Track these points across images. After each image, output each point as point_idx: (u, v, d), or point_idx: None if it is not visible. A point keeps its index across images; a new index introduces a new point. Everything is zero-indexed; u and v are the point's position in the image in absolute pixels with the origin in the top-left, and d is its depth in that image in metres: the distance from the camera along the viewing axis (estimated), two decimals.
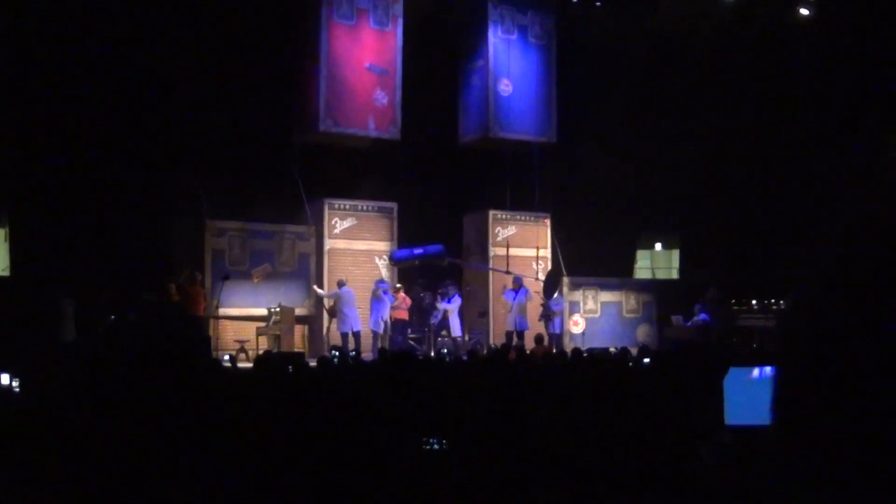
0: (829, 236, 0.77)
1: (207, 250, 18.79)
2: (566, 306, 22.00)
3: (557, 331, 20.02)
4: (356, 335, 18.44)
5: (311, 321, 19.83)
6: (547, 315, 19.99)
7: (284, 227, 19.87)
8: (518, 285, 20.03)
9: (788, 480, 0.73)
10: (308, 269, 19.92)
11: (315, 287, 19.62)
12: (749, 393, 1.87)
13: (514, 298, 19.85)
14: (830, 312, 0.73)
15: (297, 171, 19.73)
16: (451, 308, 19.69)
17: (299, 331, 19.29)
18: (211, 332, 17.70)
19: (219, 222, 19.03)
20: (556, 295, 20.43)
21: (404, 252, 20.19)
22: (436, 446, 4.05)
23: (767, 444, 0.75)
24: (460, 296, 20.08)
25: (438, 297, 19.84)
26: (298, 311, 19.22)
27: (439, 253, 19.98)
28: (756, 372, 1.92)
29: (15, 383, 6.54)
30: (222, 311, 18.13)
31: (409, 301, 19.71)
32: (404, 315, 19.56)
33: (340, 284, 18.97)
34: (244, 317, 18.81)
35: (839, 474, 0.69)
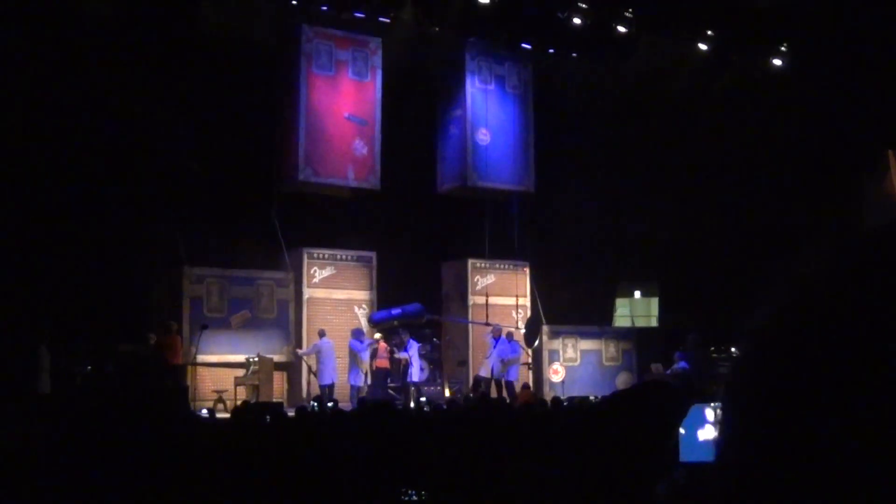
0: (783, 283, 0.79)
1: (185, 297, 18.69)
2: (545, 355, 22.00)
3: (512, 378, 19.80)
4: (331, 387, 18.39)
5: (291, 368, 19.71)
6: (505, 363, 19.94)
7: (263, 273, 19.81)
8: (498, 333, 19.97)
9: None
10: (287, 315, 19.85)
11: (297, 350, 19.50)
12: (704, 429, 1.89)
13: (495, 347, 19.77)
14: (781, 349, 0.75)
15: (276, 217, 19.72)
16: (407, 356, 19.54)
17: (278, 380, 19.17)
18: (189, 382, 17.57)
19: (197, 269, 18.95)
20: (513, 342, 20.24)
21: (383, 314, 20.19)
22: (413, 498, 4.03)
23: (711, 481, 0.76)
24: (415, 340, 19.92)
25: (397, 349, 19.69)
26: (277, 358, 19.14)
27: (418, 311, 20.02)
28: (713, 409, 1.94)
29: None
30: (201, 357, 17.98)
31: (389, 350, 19.69)
32: (385, 364, 19.52)
33: (322, 334, 18.94)
34: (223, 363, 18.67)
35: None
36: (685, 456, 1.65)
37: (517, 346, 20.06)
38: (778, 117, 22.13)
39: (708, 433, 1.86)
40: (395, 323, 20.07)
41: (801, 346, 0.72)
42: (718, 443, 0.77)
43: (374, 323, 20.11)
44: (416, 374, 19.52)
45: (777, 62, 23.08)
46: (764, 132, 22.21)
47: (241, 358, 18.60)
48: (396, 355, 19.60)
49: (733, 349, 19.34)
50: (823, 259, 0.76)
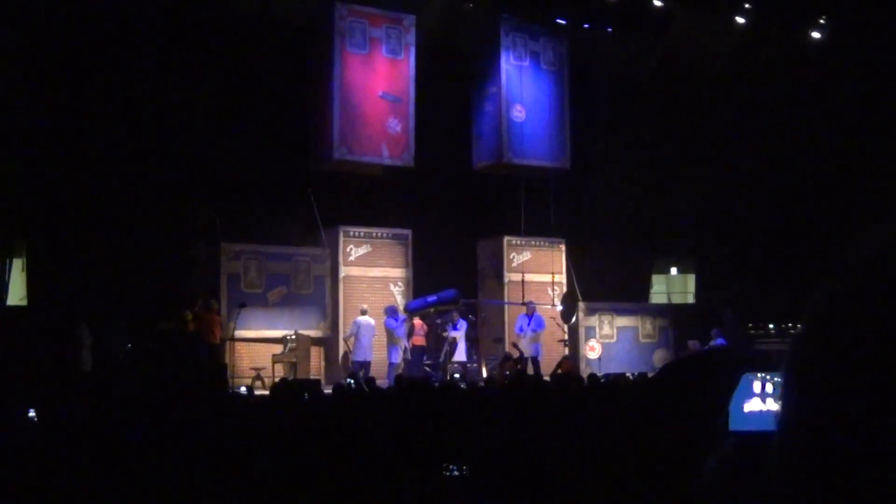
0: (848, 258, 0.78)
1: (223, 273, 18.80)
2: (581, 332, 21.97)
3: (533, 354, 19.86)
4: (366, 365, 18.50)
5: (327, 344, 19.81)
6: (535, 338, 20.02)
7: (299, 249, 19.88)
8: (532, 311, 20.03)
9: (788, 489, 0.74)
10: (324, 291, 19.92)
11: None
12: (750, 401, 1.88)
13: (529, 324, 19.83)
14: (847, 328, 0.74)
15: (312, 195, 19.78)
16: (458, 335, 19.67)
17: (315, 357, 19.29)
18: (227, 360, 17.70)
19: (234, 245, 19.05)
20: (532, 319, 20.26)
21: (419, 302, 20.20)
22: (455, 472, 4.05)
23: (771, 450, 0.76)
24: (466, 321, 20.06)
25: (448, 327, 19.78)
26: (314, 334, 19.27)
27: (453, 297, 20.01)
28: (760, 380, 1.92)
29: (32, 413, 6.56)
30: (239, 333, 18.11)
31: (426, 327, 19.76)
32: (422, 341, 19.60)
33: (363, 312, 19.09)
34: (260, 339, 18.81)
35: (839, 484, 0.71)
36: (733, 425, 1.65)
37: (543, 320, 20.13)
38: (817, 91, 21.86)
39: (754, 405, 1.84)
40: (432, 310, 20.10)
41: (872, 320, 0.71)
42: (779, 415, 0.77)
43: (411, 311, 20.12)
44: (462, 353, 19.65)
45: (816, 35, 22.78)
46: (803, 107, 21.96)
47: (278, 334, 18.73)
48: (447, 334, 19.68)
49: (790, 325, 19.20)
50: (890, 233, 0.75)
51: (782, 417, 0.76)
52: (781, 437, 0.76)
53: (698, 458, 1.31)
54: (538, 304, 20.55)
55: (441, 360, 19.59)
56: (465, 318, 20.10)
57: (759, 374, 1.86)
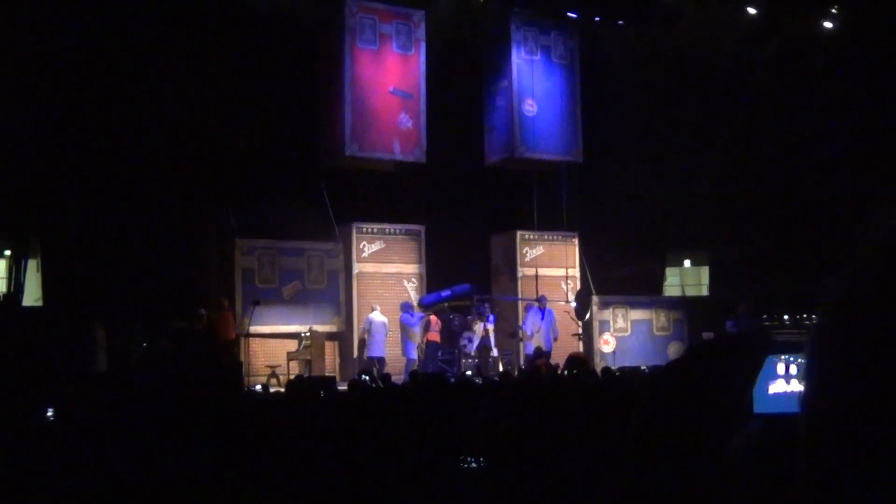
0: (869, 240, 0.78)
1: (237, 269, 18.85)
2: (595, 325, 21.96)
3: (528, 351, 19.99)
4: (381, 361, 18.58)
5: (342, 339, 19.85)
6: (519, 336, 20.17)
7: (313, 244, 19.91)
8: (544, 305, 20.11)
9: (815, 471, 0.74)
10: (337, 286, 19.95)
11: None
12: (775, 382, 1.87)
13: (543, 318, 19.91)
14: (869, 310, 0.74)
15: (325, 188, 19.84)
16: (492, 327, 19.84)
17: (330, 354, 19.34)
18: (242, 358, 17.75)
19: (248, 241, 19.10)
20: (545, 314, 20.35)
21: (433, 296, 20.24)
22: (473, 465, 4.05)
23: (797, 433, 0.76)
24: (494, 315, 20.26)
25: (478, 319, 19.85)
26: (328, 329, 19.33)
27: (467, 291, 20.06)
28: (784, 362, 1.91)
29: (50, 412, 6.60)
30: (253, 329, 18.17)
31: (440, 323, 19.79)
32: (436, 337, 19.64)
33: (374, 309, 19.19)
34: (275, 334, 18.85)
35: (864, 466, 0.70)
36: (757, 408, 1.64)
37: (554, 315, 20.25)
38: (829, 82, 21.76)
39: (779, 387, 1.84)
40: (446, 304, 20.14)
41: (893, 302, 0.71)
42: (803, 397, 0.76)
43: (425, 306, 20.15)
44: (493, 347, 19.80)
45: (828, 25, 22.68)
46: (815, 97, 21.86)
47: (293, 329, 18.78)
48: (479, 325, 19.75)
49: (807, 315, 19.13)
50: None
51: (806, 400, 0.76)
52: (806, 419, 0.76)
53: (723, 440, 1.31)
54: (551, 300, 20.59)
55: (456, 354, 19.60)
56: (493, 312, 20.25)
57: (783, 356, 1.85)
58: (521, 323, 20.71)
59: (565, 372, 16.58)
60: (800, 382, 1.81)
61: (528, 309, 20.75)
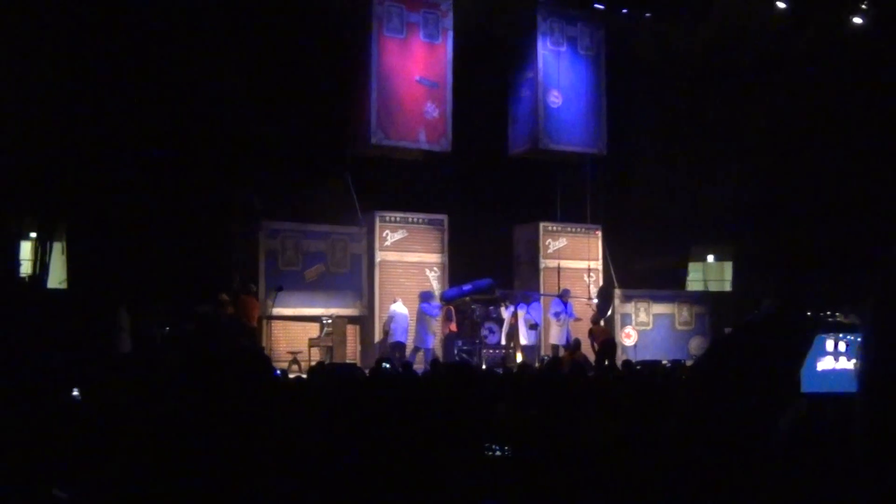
0: None
1: (261, 251, 18.95)
2: (617, 318, 21.93)
3: (532, 341, 20.09)
4: (402, 348, 18.70)
5: (364, 324, 19.90)
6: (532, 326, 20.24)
7: (336, 228, 19.97)
8: (567, 297, 20.16)
9: (874, 449, 0.74)
10: (360, 270, 20.01)
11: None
12: (823, 360, 1.87)
13: (565, 310, 19.95)
14: None
15: (348, 175, 19.90)
16: (531, 320, 19.96)
17: (351, 341, 19.40)
18: (264, 343, 17.83)
19: (272, 223, 19.19)
20: (532, 305, 20.48)
21: (454, 291, 20.25)
22: (497, 453, 4.06)
23: (854, 411, 0.75)
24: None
25: (506, 306, 20.00)
26: (350, 313, 19.42)
27: (488, 286, 20.07)
28: (833, 339, 1.91)
29: (76, 392, 6.66)
30: (276, 311, 18.24)
31: (458, 314, 19.87)
32: (454, 328, 19.68)
33: (395, 301, 19.25)
34: (298, 317, 18.93)
35: None
36: (805, 387, 1.64)
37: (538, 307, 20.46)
38: (858, 77, 21.59)
39: (827, 364, 1.84)
40: (467, 299, 20.15)
41: None
42: (862, 372, 0.76)
43: (447, 300, 20.17)
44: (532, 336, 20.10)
45: (857, 20, 22.48)
46: (843, 92, 21.69)
47: (315, 312, 18.87)
48: (523, 315, 19.89)
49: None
50: None
51: (863, 378, 0.75)
52: (863, 396, 0.75)
53: (771, 420, 1.31)
54: (575, 296, 20.63)
55: (477, 345, 19.64)
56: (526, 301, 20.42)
57: (832, 334, 1.85)
58: (549, 313, 20.72)
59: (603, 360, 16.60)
60: (848, 360, 1.81)
61: (552, 301, 20.76)
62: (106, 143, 17.58)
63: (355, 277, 19.95)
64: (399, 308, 19.26)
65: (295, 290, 18.80)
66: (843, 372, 1.81)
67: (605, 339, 19.13)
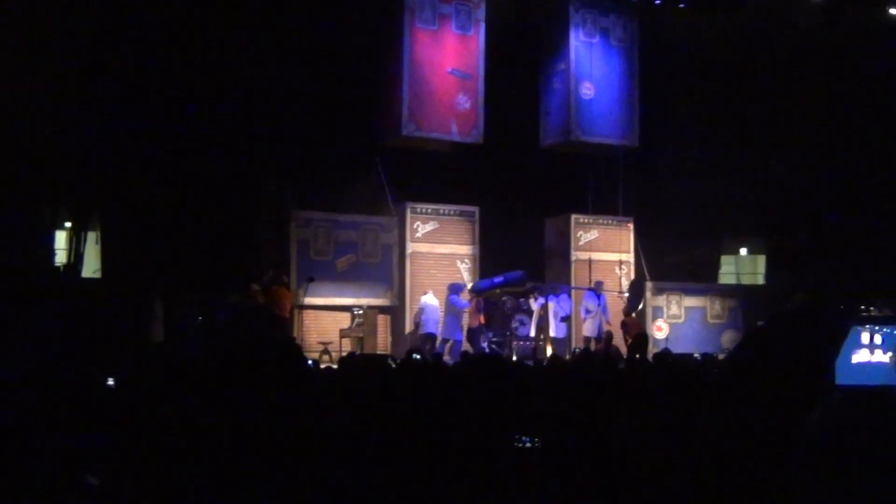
0: None
1: (293, 241, 19.07)
2: (649, 311, 21.85)
3: (563, 334, 20.09)
4: (433, 339, 18.74)
5: (394, 313, 19.95)
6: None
7: (368, 217, 20.04)
8: (601, 290, 20.15)
9: None
10: (391, 260, 20.08)
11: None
12: (858, 353, 1.85)
13: (599, 304, 19.93)
14: None
15: (380, 164, 19.97)
16: (560, 311, 19.97)
17: (382, 332, 19.46)
18: (295, 334, 17.91)
19: (304, 213, 19.30)
20: (560, 298, 20.41)
21: (486, 283, 20.24)
22: (527, 444, 4.06)
23: (880, 405, 0.75)
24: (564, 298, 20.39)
25: (535, 298, 19.98)
26: (381, 303, 19.52)
27: (520, 278, 20.04)
28: (869, 331, 1.90)
29: (111, 381, 6.71)
30: (308, 300, 18.31)
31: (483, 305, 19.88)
32: (483, 320, 19.70)
33: (425, 293, 19.35)
34: (329, 306, 19.01)
35: None
36: (839, 379, 1.63)
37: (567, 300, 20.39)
38: (894, 69, 21.33)
39: (862, 356, 1.83)
40: (498, 291, 20.14)
41: None
42: None
43: (478, 292, 20.16)
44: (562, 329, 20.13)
45: (894, 11, 22.20)
46: (879, 85, 21.45)
47: (346, 302, 18.97)
48: (536, 304, 19.87)
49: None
50: None
51: None
52: None
53: (806, 410, 1.30)
54: (607, 290, 20.59)
55: (507, 336, 19.63)
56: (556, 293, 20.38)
57: (867, 326, 1.84)
58: (581, 307, 20.67)
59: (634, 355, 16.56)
60: (884, 352, 1.80)
61: (585, 294, 20.71)
62: (140, 134, 17.68)
63: (386, 267, 20.01)
64: (430, 300, 19.30)
65: (326, 279, 18.88)
66: (879, 365, 1.79)
67: (637, 333, 19.11)
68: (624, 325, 19.11)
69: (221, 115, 18.22)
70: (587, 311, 20.28)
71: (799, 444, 1.31)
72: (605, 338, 18.53)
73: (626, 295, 21.29)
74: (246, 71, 18.21)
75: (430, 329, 18.96)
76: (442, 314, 19.41)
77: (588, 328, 20.25)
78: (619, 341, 19.17)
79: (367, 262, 19.82)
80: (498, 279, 19.99)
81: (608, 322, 20.25)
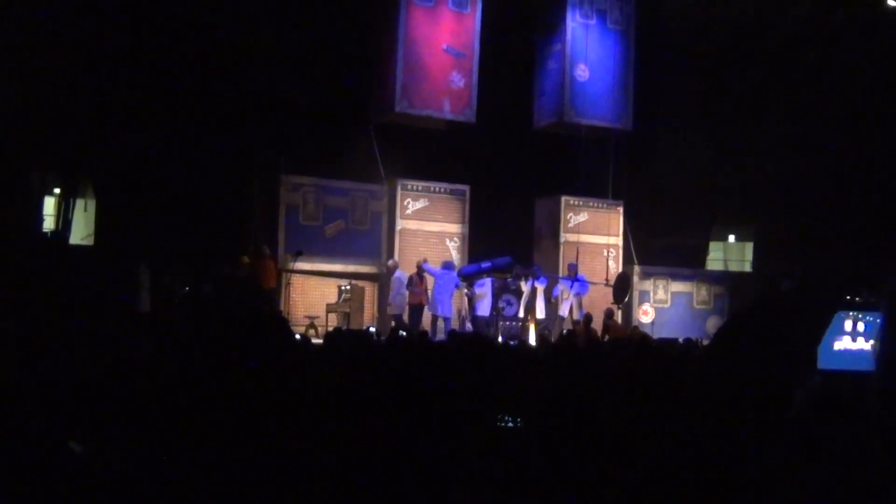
0: None
1: (281, 205, 19.09)
2: (635, 295, 21.89)
3: (564, 314, 20.03)
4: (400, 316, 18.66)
5: (382, 282, 19.92)
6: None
7: (358, 184, 20.05)
8: (574, 273, 19.95)
9: (887, 421, 0.75)
10: (380, 227, 20.09)
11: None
12: (841, 339, 1.87)
13: (572, 287, 19.80)
14: None
15: (373, 134, 19.96)
16: (542, 286, 19.83)
17: (369, 308, 19.47)
18: (282, 307, 17.91)
19: (294, 177, 19.31)
20: (539, 280, 20.30)
21: (473, 267, 20.16)
22: (510, 424, 4.09)
23: (871, 390, 0.76)
24: (546, 277, 20.25)
25: (526, 279, 19.85)
26: (370, 270, 19.57)
27: (507, 264, 19.97)
28: (852, 319, 1.91)
29: (96, 350, 6.72)
30: (297, 266, 18.28)
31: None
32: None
33: (396, 266, 19.23)
34: (317, 272, 18.99)
35: None
36: (821, 363, 1.65)
37: (587, 283, 20.19)
38: (889, 58, 21.34)
39: (844, 343, 1.84)
40: (485, 275, 20.09)
41: None
42: (880, 351, 0.77)
43: (465, 276, 20.11)
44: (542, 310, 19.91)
45: (891, 1, 22.18)
46: (873, 74, 21.45)
47: (335, 268, 19.06)
48: (534, 285, 19.80)
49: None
50: None
51: (882, 357, 0.76)
52: (882, 375, 0.75)
53: (788, 394, 1.32)
54: (591, 282, 20.41)
55: (494, 316, 19.59)
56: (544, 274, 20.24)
57: (851, 313, 1.85)
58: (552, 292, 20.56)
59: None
60: (867, 340, 1.81)
61: (560, 280, 20.63)
62: (132, 102, 17.60)
63: (375, 235, 20.03)
64: (398, 272, 19.07)
65: (315, 245, 18.85)
66: (860, 352, 1.81)
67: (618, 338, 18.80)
68: (606, 327, 18.83)
69: (215, 83, 18.13)
70: (557, 292, 20.23)
71: (782, 426, 1.33)
72: (583, 320, 18.46)
73: (612, 287, 21.26)
74: (241, 38, 18.12)
75: (400, 303, 18.77)
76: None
77: (563, 309, 20.19)
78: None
79: (356, 230, 19.84)
80: (485, 264, 19.92)
81: (582, 297, 20.12)
